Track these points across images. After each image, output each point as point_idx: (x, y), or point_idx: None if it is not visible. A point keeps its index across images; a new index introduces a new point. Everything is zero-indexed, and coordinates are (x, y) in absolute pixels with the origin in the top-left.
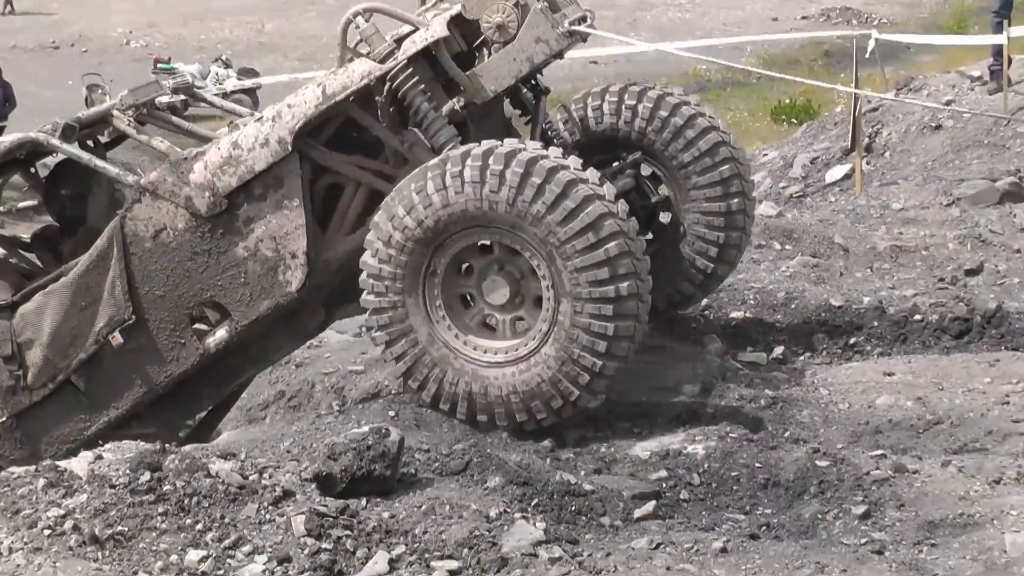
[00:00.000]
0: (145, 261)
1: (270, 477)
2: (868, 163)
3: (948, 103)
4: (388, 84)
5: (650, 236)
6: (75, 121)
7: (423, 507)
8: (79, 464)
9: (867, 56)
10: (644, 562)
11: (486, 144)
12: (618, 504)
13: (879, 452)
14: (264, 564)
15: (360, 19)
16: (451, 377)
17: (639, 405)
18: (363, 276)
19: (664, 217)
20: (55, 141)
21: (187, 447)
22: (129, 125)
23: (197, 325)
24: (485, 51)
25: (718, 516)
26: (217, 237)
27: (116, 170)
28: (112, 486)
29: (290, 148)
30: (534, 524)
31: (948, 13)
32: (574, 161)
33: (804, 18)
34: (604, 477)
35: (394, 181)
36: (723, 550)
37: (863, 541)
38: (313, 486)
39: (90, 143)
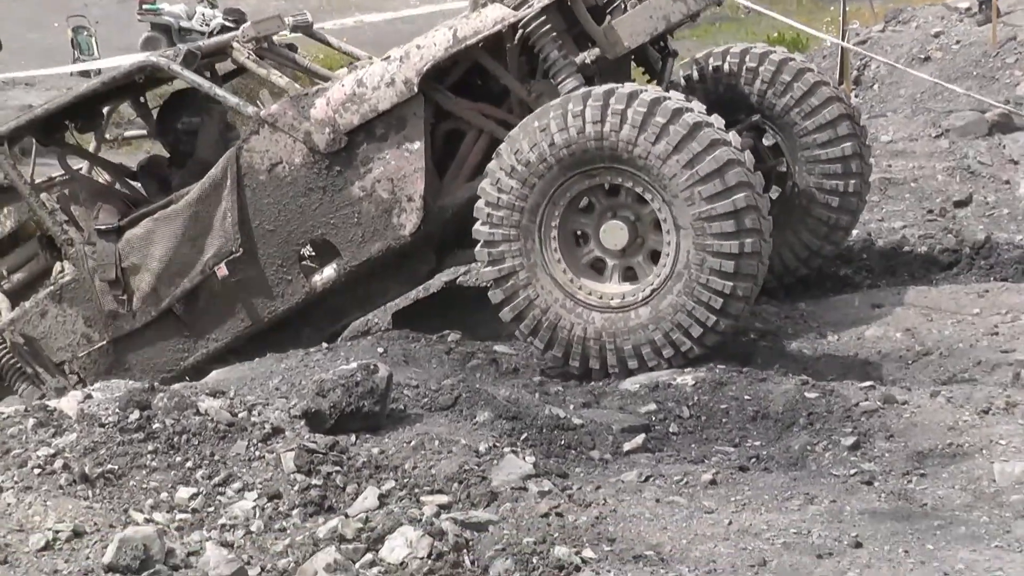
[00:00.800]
0: (258, 194)
1: (259, 414)
2: (856, 96)
3: (937, 35)
4: (520, 32)
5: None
6: (196, 48)
7: (412, 442)
8: (68, 403)
9: None
10: (634, 495)
11: (608, 85)
12: (607, 437)
13: (868, 383)
14: (254, 501)
15: None
16: (564, 322)
17: None
18: (479, 204)
19: (778, 182)
20: (176, 67)
21: (176, 385)
22: (249, 58)
23: (305, 263)
24: (621, 5)
25: (707, 448)
26: (334, 174)
27: (236, 99)
28: (101, 425)
29: (416, 90)
30: (523, 458)
31: None
32: (698, 105)
33: None
34: (593, 411)
35: None
36: (712, 482)
37: (852, 472)
38: (302, 423)
39: (207, 75)
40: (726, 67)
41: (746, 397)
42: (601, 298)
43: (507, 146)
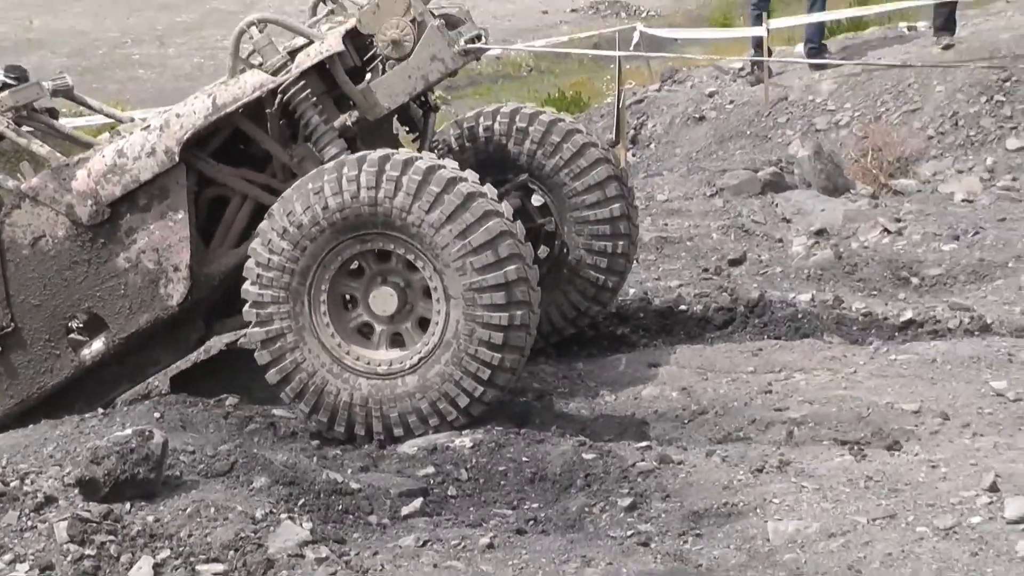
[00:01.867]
0: (22, 268)
1: (32, 483)
2: (634, 155)
3: (711, 95)
4: (280, 97)
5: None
6: None
7: (188, 510)
8: None
9: (632, 48)
10: (411, 560)
11: (383, 151)
12: (385, 502)
13: (644, 444)
14: (26, 572)
15: (254, 29)
16: (330, 387)
17: None
18: (249, 264)
19: (546, 242)
20: None
21: None
22: (8, 127)
23: (72, 336)
24: (379, 65)
25: (486, 511)
26: (98, 247)
27: None
28: None
29: (177, 159)
30: (300, 524)
31: (714, 6)
32: (472, 175)
33: (573, 11)
34: (371, 475)
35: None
36: (490, 546)
37: (629, 533)
38: (76, 491)
39: None
40: (496, 127)
41: (524, 459)
42: (368, 364)
43: (280, 207)
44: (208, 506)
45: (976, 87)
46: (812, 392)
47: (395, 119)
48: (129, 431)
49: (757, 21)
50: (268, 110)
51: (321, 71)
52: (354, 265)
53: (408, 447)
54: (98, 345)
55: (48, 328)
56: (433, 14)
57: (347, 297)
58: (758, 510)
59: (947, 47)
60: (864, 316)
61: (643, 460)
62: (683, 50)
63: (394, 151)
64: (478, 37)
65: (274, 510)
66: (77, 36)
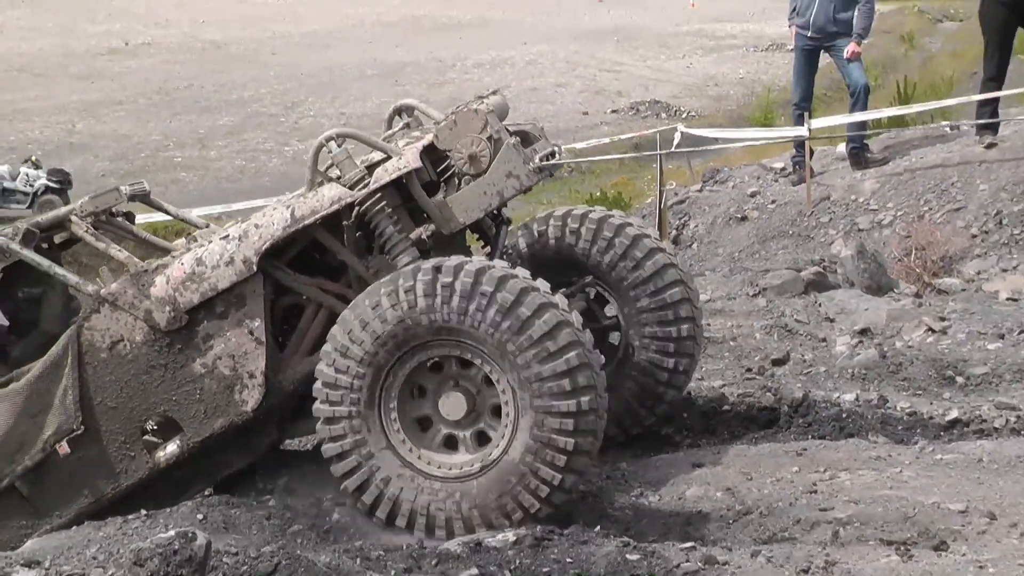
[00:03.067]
0: (100, 371)
1: None
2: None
3: (753, 195)
4: (357, 209)
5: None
6: (35, 226)
7: None
8: None
9: (673, 148)
10: None
11: (435, 260)
12: None
13: (689, 544)
14: None
15: (333, 143)
16: (406, 494)
17: None
18: (317, 384)
19: (614, 338)
20: (15, 247)
21: None
22: (87, 232)
23: (147, 437)
24: (455, 180)
25: None
26: (175, 352)
27: (76, 279)
28: None
29: (255, 268)
30: None
31: (755, 105)
32: (522, 271)
33: (614, 111)
34: None
35: None
36: None
37: None
38: None
39: (44, 245)
40: (550, 231)
41: (568, 559)
42: (440, 468)
43: (340, 327)
44: None
45: (1020, 185)
46: (857, 492)
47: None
48: (172, 532)
49: (799, 121)
50: (345, 222)
51: (398, 185)
52: (427, 368)
53: (451, 545)
54: (172, 448)
55: (124, 430)
56: (509, 131)
57: (416, 400)
58: None
59: (990, 146)
60: (909, 415)
61: (688, 561)
62: (724, 151)
63: (447, 258)
64: (552, 154)
65: None
66: (119, 140)
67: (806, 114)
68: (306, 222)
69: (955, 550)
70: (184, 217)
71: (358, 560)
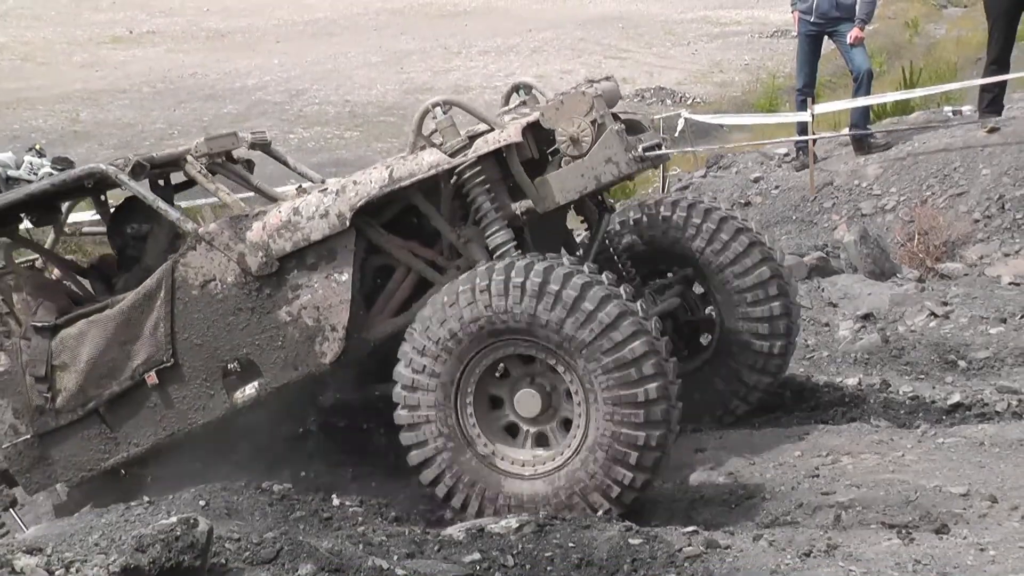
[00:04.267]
0: (189, 308)
1: (77, 571)
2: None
3: (756, 180)
4: (455, 178)
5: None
6: (146, 160)
7: None
8: None
9: (676, 135)
10: None
11: (507, 260)
12: None
13: (691, 528)
14: None
15: (438, 110)
16: (479, 487)
17: None
18: (396, 388)
19: (705, 338)
20: (123, 176)
21: None
22: (200, 172)
23: (229, 378)
24: (557, 160)
25: None
26: (263, 297)
27: (177, 214)
28: None
29: (348, 224)
30: None
31: (759, 91)
32: (589, 267)
33: (620, 98)
34: (417, 561)
35: (445, 272)
36: None
37: None
38: None
39: (161, 183)
40: (660, 218)
41: (570, 544)
42: (513, 463)
43: (418, 325)
44: None
45: (1022, 170)
46: (859, 476)
47: (570, 212)
48: (174, 519)
49: (802, 106)
50: (442, 188)
51: (498, 159)
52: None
53: (453, 531)
54: (250, 391)
55: (206, 368)
56: (618, 117)
57: (493, 399)
58: None
59: (992, 130)
60: (911, 399)
61: (690, 545)
62: (728, 136)
63: (518, 258)
64: (658, 146)
65: None
66: (123, 128)
67: (809, 99)
68: (403, 183)
69: (956, 533)
70: (303, 171)
71: (360, 546)
